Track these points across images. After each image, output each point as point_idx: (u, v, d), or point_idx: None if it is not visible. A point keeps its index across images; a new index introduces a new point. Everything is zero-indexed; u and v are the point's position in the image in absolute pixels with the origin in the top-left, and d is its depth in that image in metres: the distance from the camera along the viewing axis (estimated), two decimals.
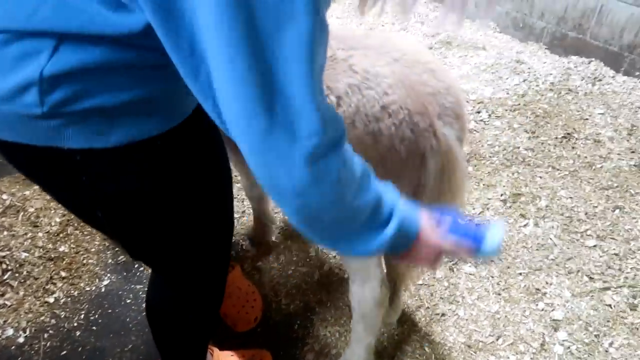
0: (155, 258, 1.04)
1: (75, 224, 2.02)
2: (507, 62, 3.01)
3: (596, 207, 2.03)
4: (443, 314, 1.69)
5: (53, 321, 1.69)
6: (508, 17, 3.43)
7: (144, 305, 1.71)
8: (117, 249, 1.94)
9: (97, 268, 1.87)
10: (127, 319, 1.70)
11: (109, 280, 1.83)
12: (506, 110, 2.59)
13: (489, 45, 3.26)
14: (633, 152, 2.31)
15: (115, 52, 0.69)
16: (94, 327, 1.68)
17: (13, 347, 1.60)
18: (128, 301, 1.75)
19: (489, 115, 2.57)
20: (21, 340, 1.63)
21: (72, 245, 1.94)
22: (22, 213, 2.03)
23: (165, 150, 0.84)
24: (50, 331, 1.66)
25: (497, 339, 1.61)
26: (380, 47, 1.08)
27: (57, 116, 0.72)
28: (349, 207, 0.70)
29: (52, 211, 2.05)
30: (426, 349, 1.59)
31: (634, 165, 2.23)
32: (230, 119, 0.62)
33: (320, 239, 0.75)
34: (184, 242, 1.00)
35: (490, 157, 2.31)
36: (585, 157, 2.28)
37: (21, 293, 1.76)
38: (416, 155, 1.07)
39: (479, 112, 2.59)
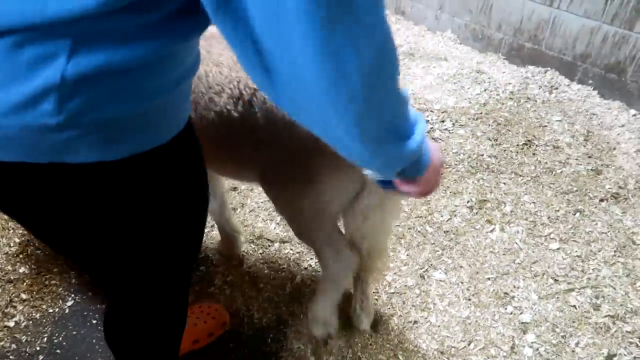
0: (124, 278, 1.00)
1: (36, 244, 1.94)
2: (468, 72, 3.09)
3: (558, 211, 2.10)
4: (415, 322, 1.70)
5: (14, 346, 1.61)
6: (467, 29, 3.54)
7: None
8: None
9: (60, 289, 1.80)
10: (93, 341, 1.64)
11: (73, 301, 1.76)
12: (469, 119, 2.66)
13: (450, 56, 3.34)
14: (590, 157, 2.40)
15: (134, 48, 0.66)
16: (58, 351, 1.61)
17: None
18: (94, 322, 1.69)
19: (453, 124, 2.63)
20: None
21: (32, 266, 1.86)
22: None
23: (167, 160, 0.83)
24: (11, 357, 1.59)
25: (469, 344, 1.63)
26: None
27: (71, 127, 0.68)
28: (394, 91, 0.68)
29: (11, 231, 1.97)
30: (400, 357, 1.60)
31: (591, 169, 2.32)
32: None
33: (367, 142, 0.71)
34: (161, 258, 0.97)
35: (455, 164, 2.36)
36: (546, 162, 2.36)
37: None
38: None
39: (443, 121, 2.65)
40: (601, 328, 1.67)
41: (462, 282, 1.83)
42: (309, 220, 1.33)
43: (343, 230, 1.45)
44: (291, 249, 1.97)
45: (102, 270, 0.98)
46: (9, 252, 1.89)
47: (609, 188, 2.22)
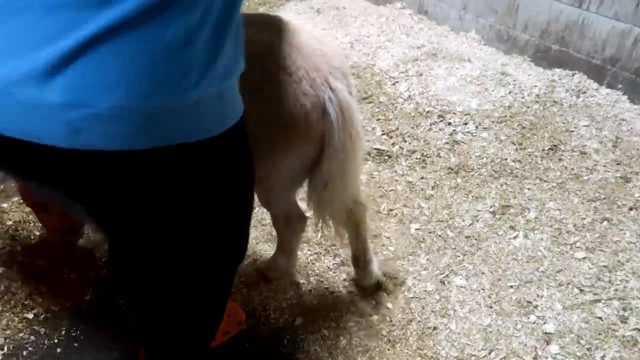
0: (180, 261, 1.02)
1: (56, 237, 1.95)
2: (492, 74, 3.03)
3: (584, 218, 2.05)
4: (435, 328, 1.67)
5: (32, 338, 1.62)
6: (492, 30, 3.47)
7: (128, 319, 1.65)
8: (99, 262, 1.88)
9: (79, 282, 1.80)
10: (111, 335, 1.64)
11: (90, 295, 1.76)
12: (493, 122, 2.61)
13: (474, 57, 3.28)
14: (618, 163, 2.33)
15: (231, 5, 0.73)
16: (76, 344, 1.62)
17: None
18: (111, 316, 1.69)
19: (476, 127, 2.58)
20: None
21: (52, 260, 1.87)
22: None
23: (242, 132, 0.88)
24: (30, 348, 1.59)
25: (490, 353, 1.59)
26: (269, 22, 1.24)
27: (206, 100, 0.73)
28: None
29: (31, 224, 1.98)
30: None
31: (620, 177, 2.26)
32: None
33: None
34: (211, 242, 1.01)
35: (478, 168, 2.31)
36: (572, 168, 2.30)
37: None
38: (318, 107, 1.21)
39: (466, 124, 2.60)
40: (628, 342, 1.61)
41: (483, 289, 1.79)
42: (278, 191, 1.44)
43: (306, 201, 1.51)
44: (308, 250, 1.95)
45: (160, 255, 1.00)
46: (30, 244, 1.91)
47: (639, 197, 2.15)
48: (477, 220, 2.05)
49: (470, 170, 2.30)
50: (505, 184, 2.23)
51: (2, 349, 1.58)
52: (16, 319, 1.66)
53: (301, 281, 1.83)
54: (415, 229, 2.02)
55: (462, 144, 2.47)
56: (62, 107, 0.63)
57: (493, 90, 2.88)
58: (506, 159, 2.36)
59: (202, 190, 0.86)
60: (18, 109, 0.64)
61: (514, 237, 1.98)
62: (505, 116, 2.65)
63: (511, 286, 1.79)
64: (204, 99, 0.73)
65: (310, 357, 1.60)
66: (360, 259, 1.70)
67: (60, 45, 0.61)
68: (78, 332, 1.65)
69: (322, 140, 1.26)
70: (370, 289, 1.78)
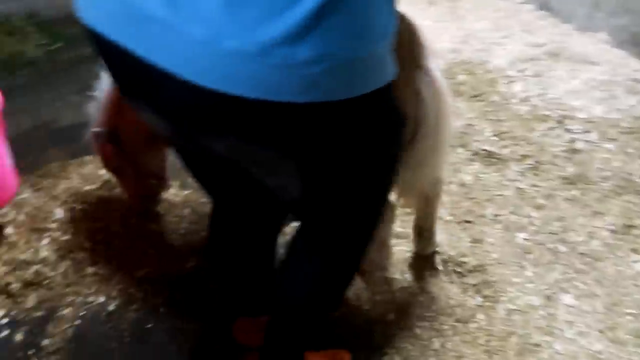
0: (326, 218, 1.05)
1: (166, 205, 2.06)
2: (622, 80, 2.76)
3: None
4: (537, 345, 1.56)
5: (140, 295, 1.74)
6: (625, 32, 3.16)
7: (225, 290, 1.70)
8: (202, 233, 1.96)
9: (183, 249, 1.90)
10: (210, 303, 1.71)
11: (194, 263, 1.85)
12: (620, 132, 2.38)
13: (602, 60, 3.01)
14: None
15: None
16: (178, 307, 1.70)
17: (104, 314, 1.67)
18: (212, 285, 1.76)
19: (600, 136, 2.36)
20: (111, 308, 1.69)
21: (161, 225, 1.99)
22: (117, 189, 2.10)
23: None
24: (138, 304, 1.71)
25: None
26: None
27: (388, 50, 0.82)
28: None
29: None
30: None
31: None
32: None
33: None
34: (365, 200, 1.03)
35: (599, 182, 2.12)
36: None
37: (113, 264, 1.82)
38: (412, 91, 1.19)
39: (588, 132, 2.39)
40: None
41: (596, 312, 1.64)
42: None
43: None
44: (406, 247, 1.90)
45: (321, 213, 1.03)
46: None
47: None
48: (594, 238, 1.88)
49: (589, 182, 2.11)
50: (630, 202, 2.02)
51: (115, 300, 1.71)
52: (127, 276, 1.79)
53: (396, 277, 1.79)
54: (523, 239, 1.90)
55: (582, 153, 2.27)
56: (309, 62, 0.69)
57: (622, 98, 2.62)
58: (632, 175, 2.14)
59: (379, 138, 0.91)
60: (269, 71, 0.69)
61: (637, 261, 1.79)
62: (635, 127, 2.40)
63: (629, 313, 1.63)
64: (388, 49, 0.81)
65: (401, 354, 1.56)
66: (425, 230, 1.74)
67: (304, 5, 0.67)
68: (180, 296, 1.73)
69: (414, 120, 1.23)
70: (429, 258, 1.82)
